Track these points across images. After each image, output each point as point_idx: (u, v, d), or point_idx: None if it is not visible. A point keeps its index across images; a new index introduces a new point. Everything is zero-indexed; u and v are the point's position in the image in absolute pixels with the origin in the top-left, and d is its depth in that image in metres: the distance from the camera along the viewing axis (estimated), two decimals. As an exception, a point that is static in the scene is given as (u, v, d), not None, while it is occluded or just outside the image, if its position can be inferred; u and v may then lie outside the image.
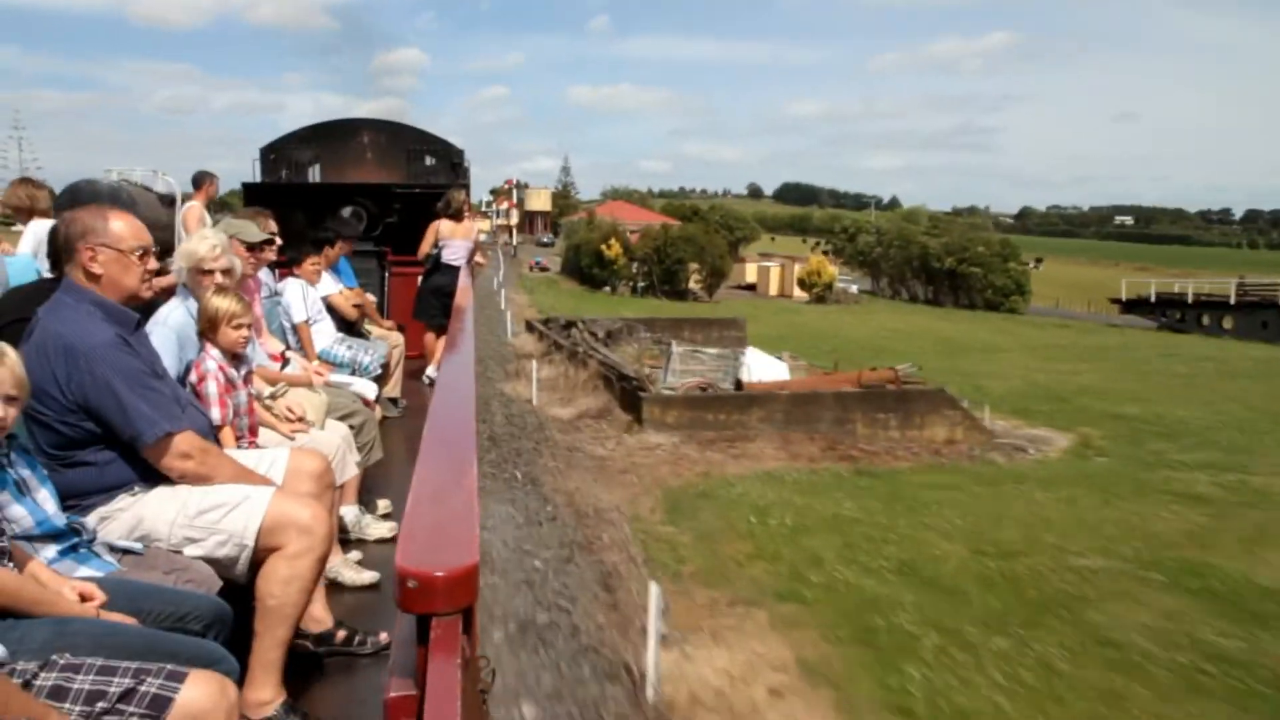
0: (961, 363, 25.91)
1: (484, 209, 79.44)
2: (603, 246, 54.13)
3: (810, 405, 14.49)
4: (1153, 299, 47.14)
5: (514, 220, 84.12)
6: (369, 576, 3.64)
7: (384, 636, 2.97)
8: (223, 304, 3.19)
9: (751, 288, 61.35)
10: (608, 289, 54.09)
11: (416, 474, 1.60)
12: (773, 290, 60.82)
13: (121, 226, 2.56)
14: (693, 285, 53.54)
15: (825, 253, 69.20)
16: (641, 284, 54.27)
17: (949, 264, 59.59)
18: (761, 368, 15.81)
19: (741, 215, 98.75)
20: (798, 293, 57.09)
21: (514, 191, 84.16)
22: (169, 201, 8.25)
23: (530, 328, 21.47)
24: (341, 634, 3.02)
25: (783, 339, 26.79)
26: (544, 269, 65.06)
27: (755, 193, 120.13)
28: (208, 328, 3.17)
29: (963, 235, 61.30)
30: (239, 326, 3.19)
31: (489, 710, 2.00)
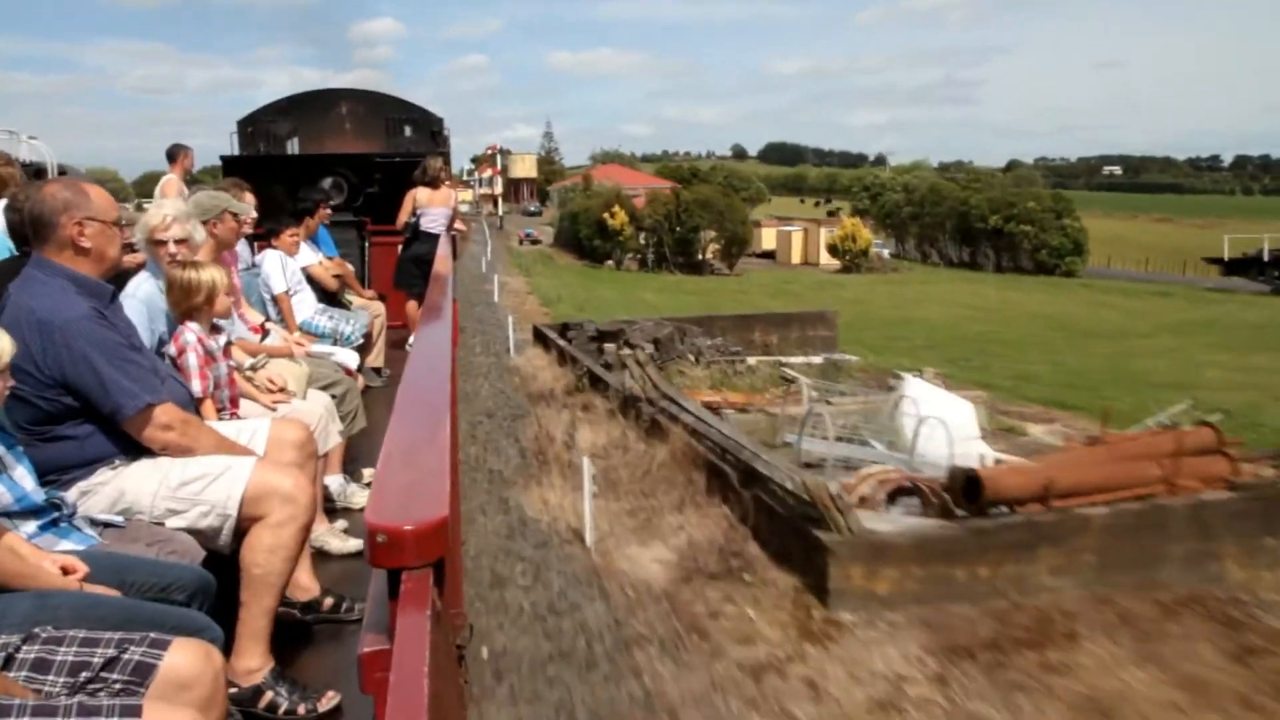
0: (1136, 364, 20.01)
1: (465, 179, 76.72)
2: (605, 215, 49.11)
3: (1144, 532, 6.89)
4: (1265, 257, 42.06)
5: (498, 189, 78.72)
6: (355, 544, 3.55)
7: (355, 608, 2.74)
8: (214, 274, 3.20)
9: (770, 255, 56.66)
10: (610, 263, 49.70)
11: (390, 433, 1.58)
12: (795, 258, 56.22)
13: (101, 198, 2.51)
14: (709, 256, 49.23)
15: (832, 213, 60.51)
16: (651, 256, 49.80)
17: (994, 222, 54.66)
18: (938, 412, 8.54)
19: (745, 176, 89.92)
20: (824, 259, 52.91)
21: (497, 158, 78.58)
22: (35, 172, 7.55)
23: (542, 339, 14.83)
24: (329, 601, 2.97)
25: (849, 328, 20.64)
26: (535, 241, 60.47)
27: (740, 154, 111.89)
28: (204, 301, 3.16)
29: (1005, 190, 57.80)
30: (211, 300, 3.18)
31: (467, 665, 2.33)
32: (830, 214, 66.85)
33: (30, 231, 2.52)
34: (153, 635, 1.70)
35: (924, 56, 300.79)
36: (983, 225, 53.43)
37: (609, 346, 13.12)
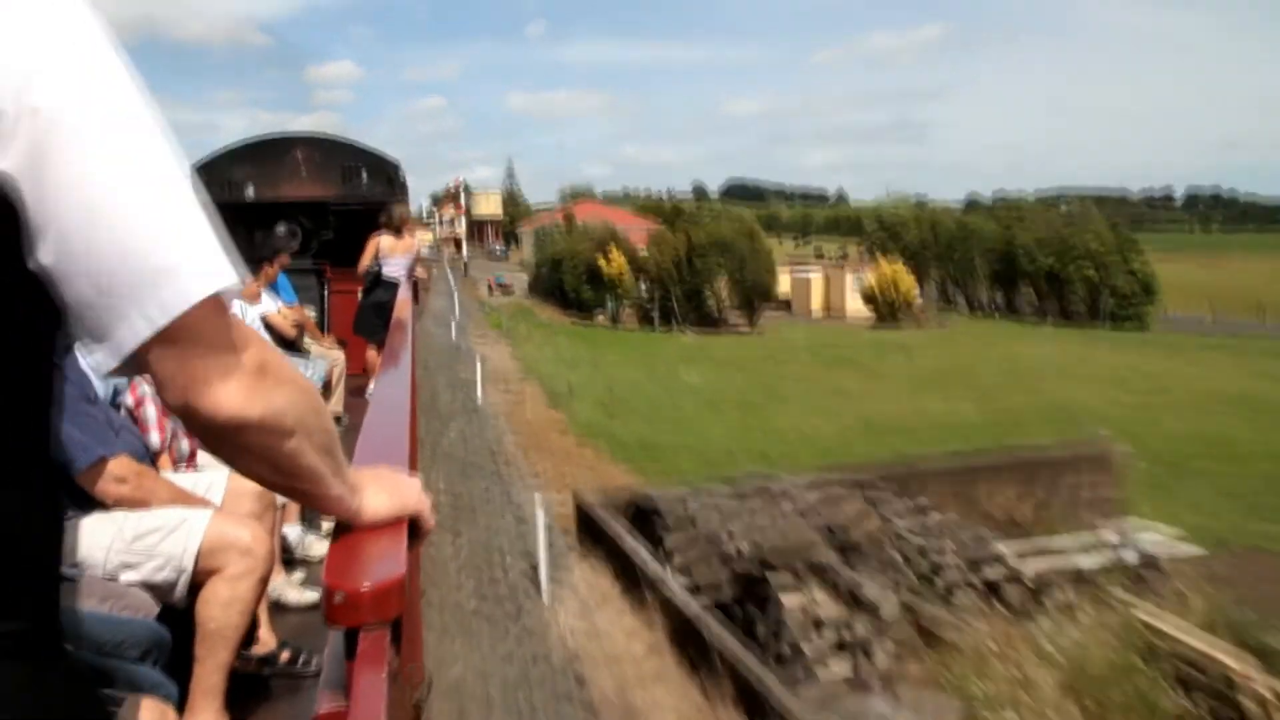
0: None
1: (425, 219, 70.34)
2: (598, 259, 41.61)
3: None
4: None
5: (462, 230, 71.06)
6: (312, 596, 3.42)
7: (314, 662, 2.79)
8: None
9: (784, 305, 47.86)
10: (600, 315, 42.73)
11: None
12: (815, 306, 48.63)
13: None
14: (724, 308, 42.09)
15: (838, 256, 51.15)
16: (653, 309, 41.53)
17: (1046, 263, 47.66)
18: None
19: (737, 214, 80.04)
20: (851, 308, 46.08)
21: (461, 195, 70.99)
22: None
23: (593, 533, 8.49)
24: (285, 655, 2.88)
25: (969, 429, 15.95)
26: (507, 289, 52.89)
27: (700, 192, 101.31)
28: None
29: (1051, 227, 50.76)
30: None
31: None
32: (843, 255, 56.98)
33: None
34: (104, 693, 1.56)
35: (877, 97, 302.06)
36: (1030, 266, 47.60)
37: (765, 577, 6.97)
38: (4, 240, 0.66)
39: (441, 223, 71.99)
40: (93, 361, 0.81)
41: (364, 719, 1.02)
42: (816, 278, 45.33)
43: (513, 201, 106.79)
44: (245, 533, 2.38)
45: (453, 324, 22.76)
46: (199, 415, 0.79)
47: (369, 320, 5.79)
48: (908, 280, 40.05)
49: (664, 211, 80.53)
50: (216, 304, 0.71)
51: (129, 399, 3.03)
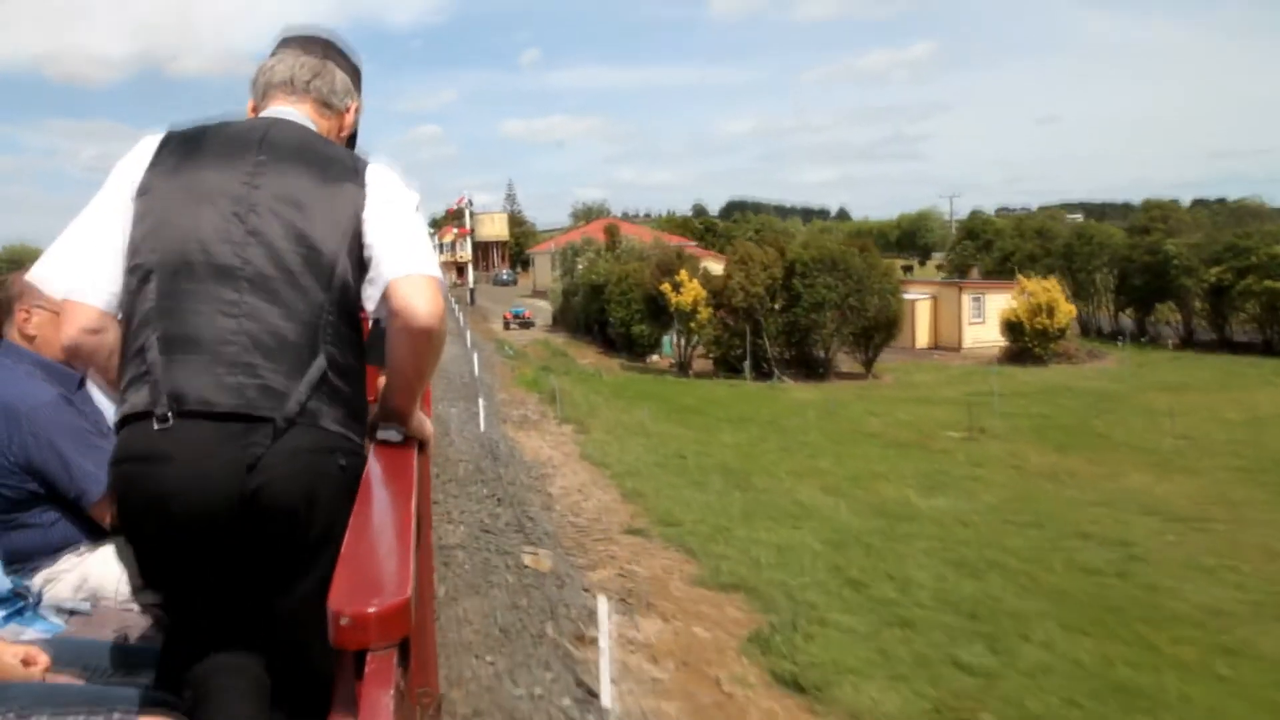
0: None
1: None
2: (661, 286, 30.20)
3: None
4: None
5: (466, 253, 64.27)
6: None
7: None
8: None
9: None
10: (655, 357, 33.15)
11: (355, 511, 1.51)
12: (921, 337, 38.27)
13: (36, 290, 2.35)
14: (831, 349, 29.74)
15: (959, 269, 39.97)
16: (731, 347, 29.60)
17: (1210, 277, 36.00)
18: None
19: (779, 227, 69.15)
20: (971, 337, 36.59)
21: (465, 216, 62.34)
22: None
23: None
24: None
25: None
26: (526, 323, 43.27)
27: (700, 212, 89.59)
28: None
29: (1209, 234, 39.36)
30: None
31: None
32: (958, 271, 45.53)
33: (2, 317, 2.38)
34: (119, 711, 1.63)
35: (871, 114, 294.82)
36: (1187, 281, 37.30)
37: None
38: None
39: (443, 248, 65.24)
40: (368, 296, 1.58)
41: None
42: (922, 302, 34.03)
43: (518, 222, 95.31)
44: None
45: (477, 394, 16.62)
46: (410, 316, 1.54)
47: (379, 347, 2.89)
48: (1066, 308, 29.02)
49: (693, 229, 69.61)
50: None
51: None
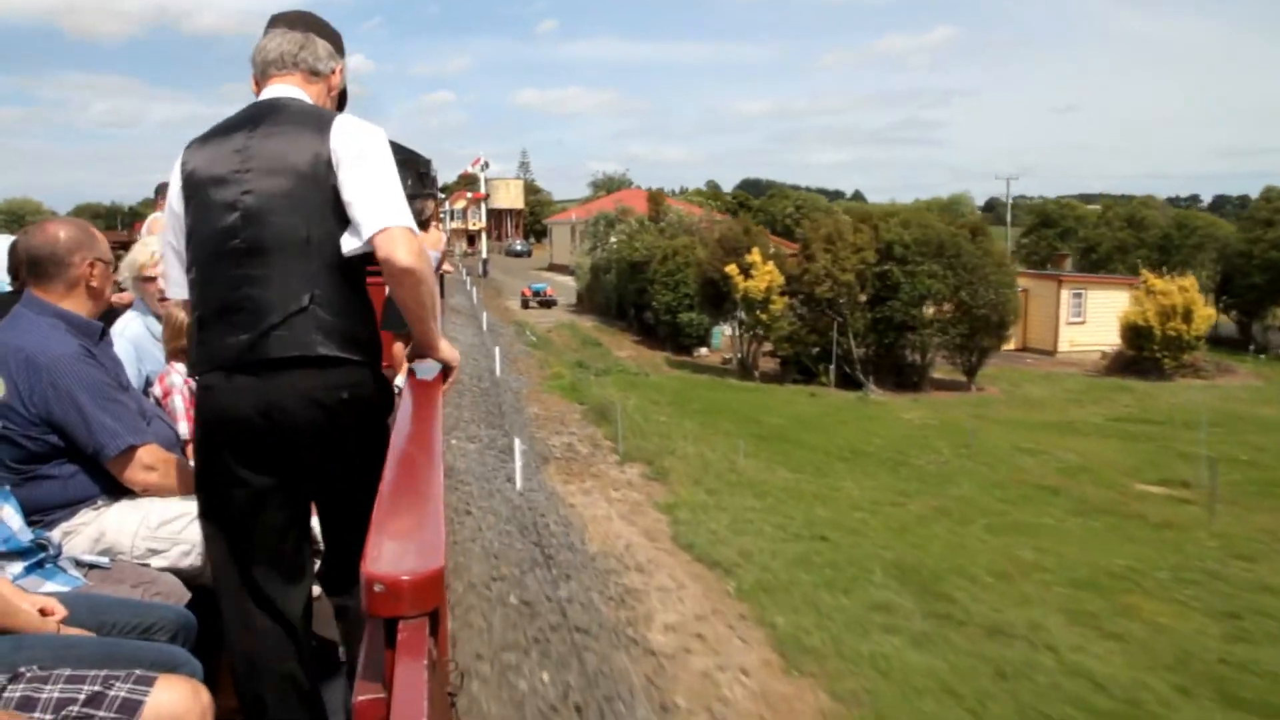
0: None
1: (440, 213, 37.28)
2: (729, 269, 24.56)
3: None
4: None
5: (480, 221, 57.57)
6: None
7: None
8: None
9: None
10: (704, 350, 28.71)
11: (383, 481, 1.59)
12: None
13: (102, 239, 2.58)
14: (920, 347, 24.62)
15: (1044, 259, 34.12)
16: (805, 347, 24.47)
17: None
18: None
19: (822, 205, 63.13)
20: (1069, 340, 31.07)
21: (481, 181, 53.95)
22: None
23: None
24: None
25: None
26: (547, 301, 38.32)
27: (714, 190, 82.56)
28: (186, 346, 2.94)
29: None
30: None
31: (458, 713, 2.40)
32: (1050, 257, 39.40)
33: (29, 269, 2.46)
34: (138, 672, 1.71)
35: (887, 98, 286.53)
36: None
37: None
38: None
39: (453, 216, 60.29)
40: (346, 245, 1.89)
41: (405, 708, 1.00)
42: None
43: (532, 191, 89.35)
44: None
45: (503, 409, 13.38)
46: (393, 263, 1.83)
47: (396, 314, 3.50)
48: (1205, 313, 27.17)
49: (725, 203, 63.77)
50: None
51: (158, 389, 3.05)
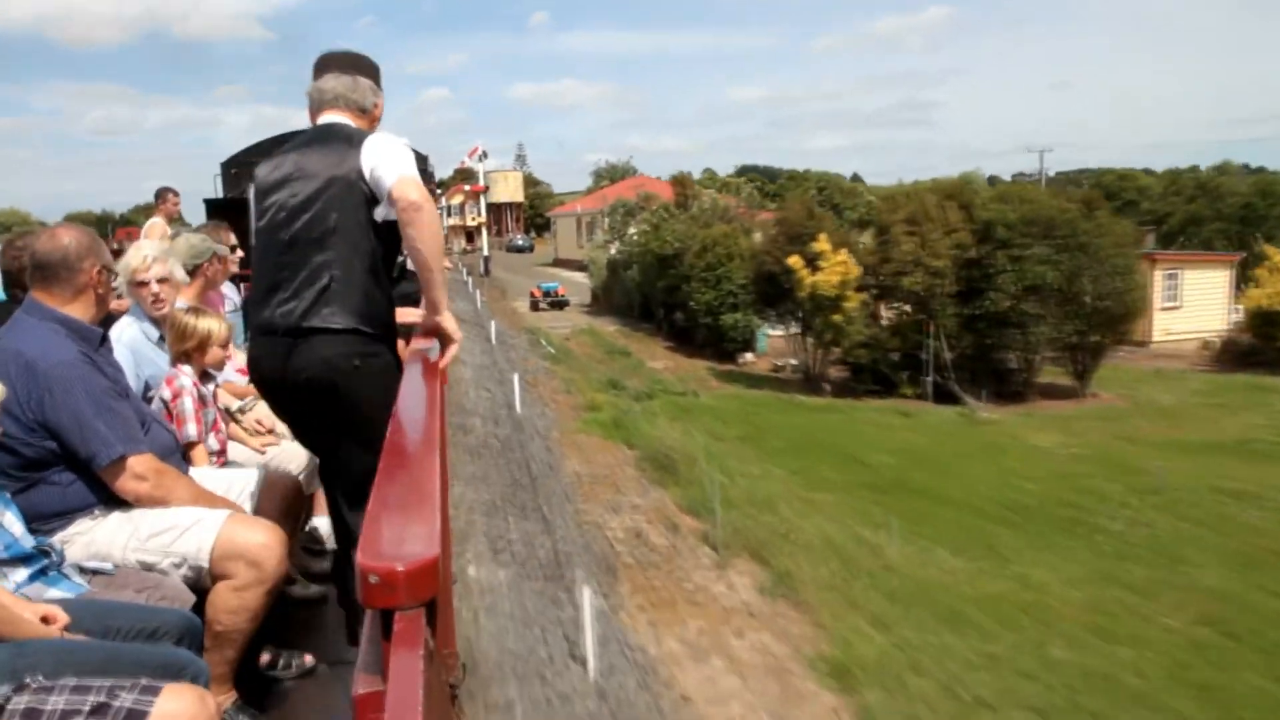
0: None
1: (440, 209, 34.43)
2: (792, 261, 20.21)
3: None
4: None
5: (479, 217, 49.20)
6: (315, 590, 3.39)
7: (308, 660, 2.89)
8: (211, 325, 3.24)
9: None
10: (750, 356, 24.76)
11: (379, 472, 1.58)
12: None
13: (104, 245, 2.66)
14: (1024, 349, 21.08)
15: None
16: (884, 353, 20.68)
17: None
18: None
19: (841, 183, 58.54)
20: (1163, 327, 26.29)
21: (479, 171, 46.55)
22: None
23: None
24: (265, 657, 2.83)
25: None
26: (559, 302, 33.70)
27: (712, 178, 75.60)
28: (195, 348, 3.19)
29: None
30: (225, 345, 3.29)
31: (461, 704, 2.35)
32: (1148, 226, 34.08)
33: (36, 275, 2.52)
34: (144, 681, 1.71)
35: (883, 80, 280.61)
36: None
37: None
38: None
39: (449, 211, 56.71)
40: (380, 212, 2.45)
41: (401, 700, 1.00)
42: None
43: (531, 184, 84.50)
44: (258, 538, 2.46)
45: (534, 476, 9.24)
46: (404, 201, 2.25)
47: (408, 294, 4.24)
48: None
49: (737, 188, 58.80)
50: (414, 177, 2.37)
51: (165, 391, 3.11)
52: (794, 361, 24.27)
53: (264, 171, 2.56)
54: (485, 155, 52.51)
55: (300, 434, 2.73)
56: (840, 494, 13.66)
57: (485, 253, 46.78)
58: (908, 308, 20.37)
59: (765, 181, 76.52)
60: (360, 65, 2.66)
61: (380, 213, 2.35)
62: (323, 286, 2.34)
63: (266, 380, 2.51)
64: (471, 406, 13.15)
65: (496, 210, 71.39)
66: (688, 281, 25.61)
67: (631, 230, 33.44)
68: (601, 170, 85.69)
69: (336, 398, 2.37)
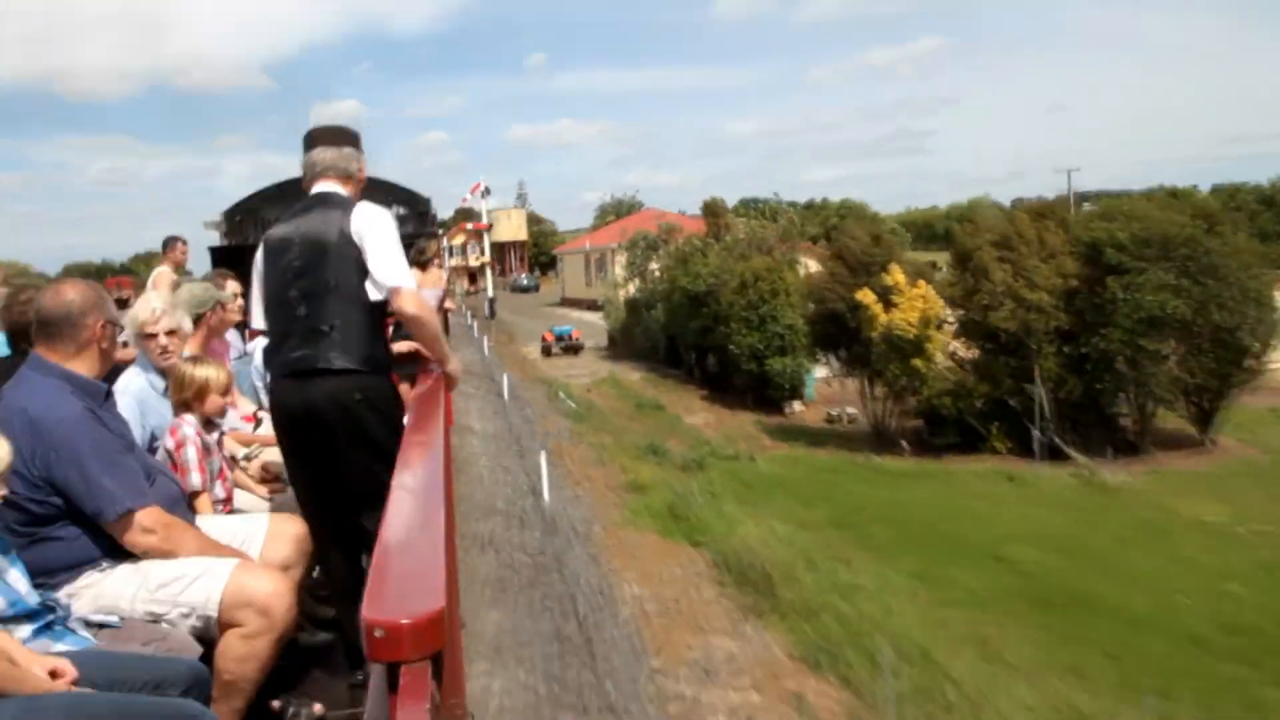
0: None
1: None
2: (863, 296, 17.00)
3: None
4: None
5: (483, 256, 46.82)
6: (322, 638, 3.38)
7: (318, 708, 2.89)
8: (209, 373, 3.32)
9: None
10: (798, 405, 21.93)
11: (384, 523, 1.59)
12: None
13: (110, 300, 2.72)
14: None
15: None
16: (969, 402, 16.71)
17: None
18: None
19: (868, 214, 55.65)
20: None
21: (481, 208, 43.84)
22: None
23: None
24: (275, 704, 2.83)
25: None
26: (573, 346, 30.76)
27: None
28: (194, 397, 3.28)
29: None
30: (224, 393, 3.40)
31: None
32: None
33: (40, 331, 2.60)
34: None
35: (877, 110, 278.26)
36: None
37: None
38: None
39: (451, 252, 55.18)
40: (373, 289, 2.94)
41: None
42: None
43: (534, 222, 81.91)
44: (266, 586, 2.51)
45: (574, 599, 6.88)
46: (404, 314, 2.86)
47: (401, 363, 4.52)
48: None
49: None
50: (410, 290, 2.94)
51: (169, 441, 3.22)
52: (850, 410, 21.14)
53: (273, 234, 3.08)
54: (488, 191, 50.59)
55: (312, 468, 3.01)
56: (993, 613, 10.43)
57: (490, 294, 44.20)
58: (997, 347, 17.09)
59: (777, 209, 73.93)
60: (343, 136, 3.19)
61: (373, 293, 2.85)
62: (324, 334, 2.84)
63: (287, 414, 2.98)
64: (487, 497, 10.01)
65: (499, 249, 71.02)
66: (725, 322, 22.85)
67: (653, 266, 30.99)
68: (607, 206, 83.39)
69: (345, 426, 2.86)
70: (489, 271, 49.31)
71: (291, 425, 2.90)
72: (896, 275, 17.38)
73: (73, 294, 2.45)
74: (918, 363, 17.13)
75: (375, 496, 2.16)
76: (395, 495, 1.75)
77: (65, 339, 2.40)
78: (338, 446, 2.81)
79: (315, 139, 3.05)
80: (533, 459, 13.14)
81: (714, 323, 23.94)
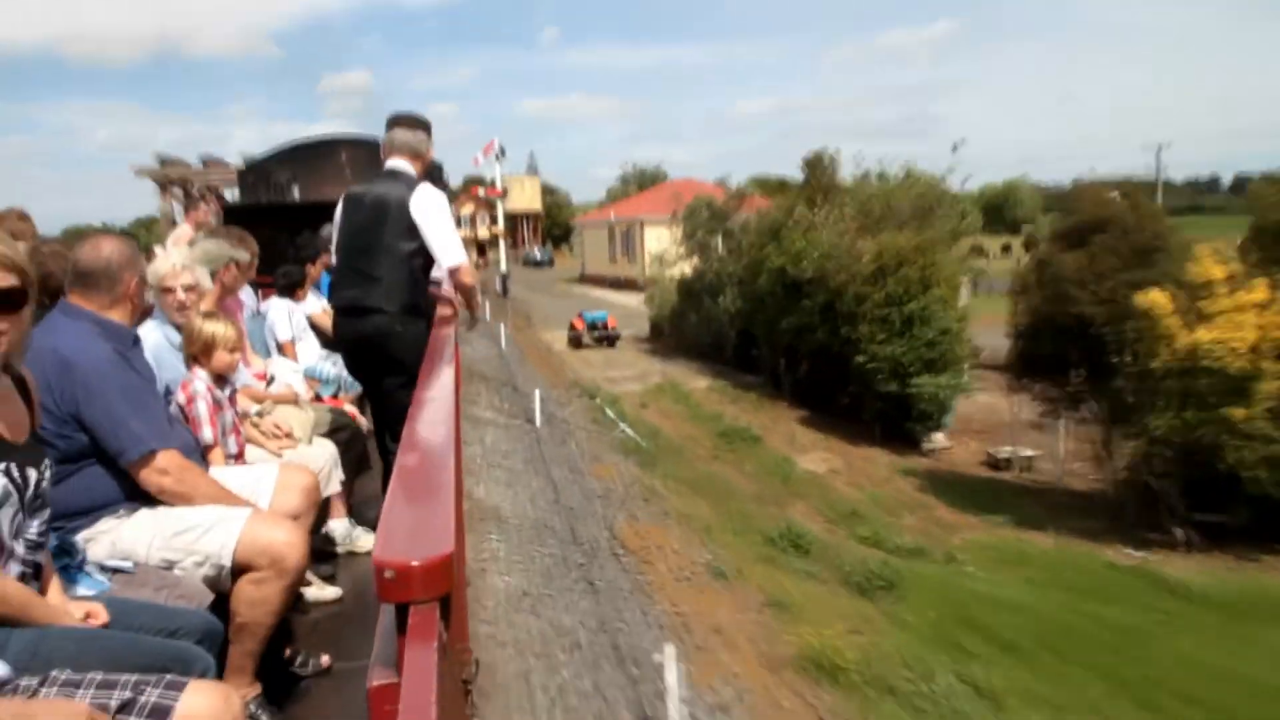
0: None
1: None
2: (1155, 298, 9.15)
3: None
4: None
5: (494, 227, 40.20)
6: (331, 593, 3.67)
7: (325, 660, 3.11)
8: (217, 329, 3.42)
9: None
10: (940, 437, 14.46)
11: (396, 471, 1.65)
12: None
13: (143, 259, 3.08)
14: None
15: None
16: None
17: None
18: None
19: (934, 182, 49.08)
20: None
21: (496, 172, 30.10)
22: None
23: None
24: (287, 651, 3.15)
25: None
26: (608, 336, 25.51)
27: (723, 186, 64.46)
28: (201, 351, 3.41)
29: None
30: (232, 350, 3.53)
31: (474, 700, 2.08)
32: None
33: (76, 281, 2.78)
34: (169, 677, 1.78)
35: (891, 93, 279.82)
36: None
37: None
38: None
39: (460, 221, 40.94)
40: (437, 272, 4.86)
41: (415, 692, 0.97)
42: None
43: (548, 192, 75.14)
44: (280, 536, 2.61)
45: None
46: (462, 285, 4.51)
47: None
48: None
49: (783, 189, 50.02)
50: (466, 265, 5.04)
51: (180, 396, 3.29)
52: (1026, 452, 14.94)
53: (353, 193, 4.12)
54: (503, 152, 44.14)
55: (366, 380, 4.35)
56: None
57: (504, 269, 38.09)
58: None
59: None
60: (418, 123, 4.17)
61: (437, 271, 4.03)
62: (375, 281, 3.86)
63: (345, 341, 4.18)
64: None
65: (511, 221, 63.64)
66: (851, 322, 16.60)
67: (718, 242, 26.06)
68: (629, 175, 76.56)
69: (386, 351, 3.90)
70: (502, 244, 43.10)
71: (347, 351, 4.27)
72: (1210, 267, 11.24)
73: (110, 249, 2.56)
74: (1238, 412, 10.81)
75: (400, 422, 2.40)
76: (406, 441, 1.80)
77: (101, 290, 2.53)
78: (379, 368, 4.05)
79: (397, 121, 4.09)
80: (601, 591, 6.89)
81: (818, 320, 17.97)
